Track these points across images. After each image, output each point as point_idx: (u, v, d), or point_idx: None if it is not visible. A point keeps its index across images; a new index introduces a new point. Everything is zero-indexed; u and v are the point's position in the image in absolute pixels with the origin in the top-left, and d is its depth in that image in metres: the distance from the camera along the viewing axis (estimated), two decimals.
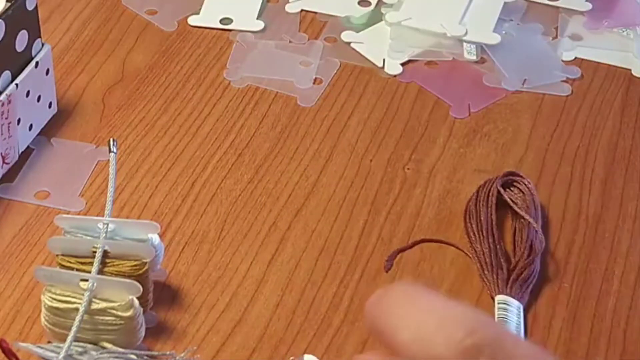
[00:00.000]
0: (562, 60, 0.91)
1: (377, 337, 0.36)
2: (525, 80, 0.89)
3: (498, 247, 0.73)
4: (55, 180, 0.79)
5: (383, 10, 0.95)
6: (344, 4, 0.97)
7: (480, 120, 0.85)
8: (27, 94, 0.79)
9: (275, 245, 0.75)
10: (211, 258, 0.74)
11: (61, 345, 0.64)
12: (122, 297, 0.64)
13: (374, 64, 0.90)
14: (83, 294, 0.64)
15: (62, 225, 0.68)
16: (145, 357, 0.65)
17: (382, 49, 0.92)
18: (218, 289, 0.72)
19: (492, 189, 0.77)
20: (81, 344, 0.64)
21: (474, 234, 0.74)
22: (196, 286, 0.72)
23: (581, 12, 0.96)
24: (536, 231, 0.74)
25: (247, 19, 0.95)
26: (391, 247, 0.75)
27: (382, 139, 0.83)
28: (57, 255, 0.67)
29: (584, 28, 0.95)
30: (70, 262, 0.66)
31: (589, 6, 0.96)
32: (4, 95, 0.76)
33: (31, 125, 0.81)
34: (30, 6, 0.78)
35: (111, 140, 0.71)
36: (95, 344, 0.65)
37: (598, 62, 0.92)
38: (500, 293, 0.70)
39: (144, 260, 0.67)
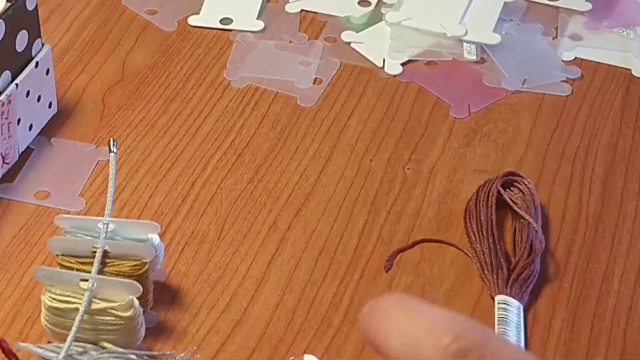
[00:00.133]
0: (562, 60, 0.91)
1: (371, 346, 0.37)
2: (525, 80, 0.89)
3: (498, 247, 0.73)
4: (55, 180, 0.79)
5: (383, 10, 0.95)
6: (344, 4, 0.97)
7: (480, 120, 0.85)
8: (27, 94, 0.79)
9: (275, 245, 0.75)
10: (211, 258, 0.74)
11: (61, 345, 0.64)
12: (122, 297, 0.64)
13: (374, 64, 0.90)
14: (83, 294, 0.64)
15: (62, 225, 0.68)
16: (145, 357, 0.65)
17: (382, 49, 0.92)
18: (218, 289, 0.72)
19: (492, 189, 0.77)
20: (81, 344, 0.64)
21: (474, 234, 0.74)
22: (196, 286, 0.72)
23: (581, 12, 0.96)
24: (536, 231, 0.74)
25: (247, 19, 0.95)
26: (391, 247, 0.75)
27: (382, 139, 0.83)
28: (57, 255, 0.67)
29: (584, 28, 0.95)
30: (70, 262, 0.66)
31: (589, 6, 0.96)
32: (4, 95, 0.76)
33: (31, 125, 0.81)
34: (30, 6, 0.78)
35: (111, 140, 0.71)
36: (95, 344, 0.65)
37: (598, 62, 0.92)
38: (500, 293, 0.70)
39: (144, 260, 0.67)
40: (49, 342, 0.67)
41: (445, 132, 0.84)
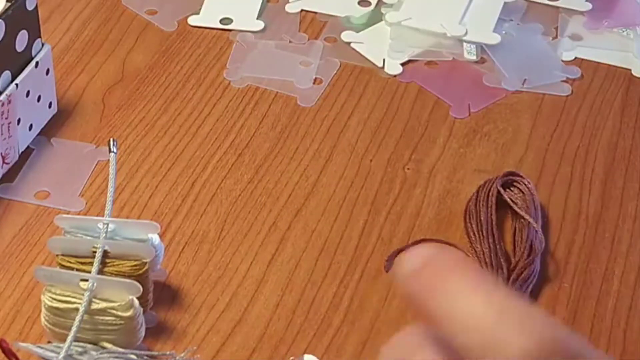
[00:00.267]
0: (562, 60, 0.91)
1: (421, 316, 0.32)
2: (525, 80, 0.89)
3: (498, 247, 0.73)
4: (55, 180, 0.79)
5: (383, 10, 0.95)
6: (344, 4, 0.97)
7: (480, 120, 0.85)
8: (27, 94, 0.79)
9: (275, 245, 0.75)
10: (211, 258, 0.74)
11: (61, 345, 0.64)
12: (122, 297, 0.64)
13: (374, 64, 0.90)
14: (83, 294, 0.64)
15: (62, 225, 0.68)
16: (145, 357, 0.65)
17: (382, 49, 0.92)
18: (218, 289, 0.72)
19: (492, 189, 0.77)
20: (81, 344, 0.64)
21: (474, 234, 0.74)
22: (196, 286, 0.72)
23: (581, 12, 0.96)
24: (536, 231, 0.74)
25: (247, 19, 0.95)
26: (391, 247, 0.75)
27: (382, 139, 0.83)
28: (57, 255, 0.67)
29: (584, 28, 0.95)
30: (70, 262, 0.66)
31: (589, 6, 0.96)
32: (4, 95, 0.76)
33: (31, 125, 0.81)
34: (30, 6, 0.78)
35: (111, 140, 0.71)
36: (95, 344, 0.65)
37: (598, 62, 0.92)
38: None
39: (144, 260, 0.66)
40: (49, 342, 0.67)
41: (445, 132, 0.84)
